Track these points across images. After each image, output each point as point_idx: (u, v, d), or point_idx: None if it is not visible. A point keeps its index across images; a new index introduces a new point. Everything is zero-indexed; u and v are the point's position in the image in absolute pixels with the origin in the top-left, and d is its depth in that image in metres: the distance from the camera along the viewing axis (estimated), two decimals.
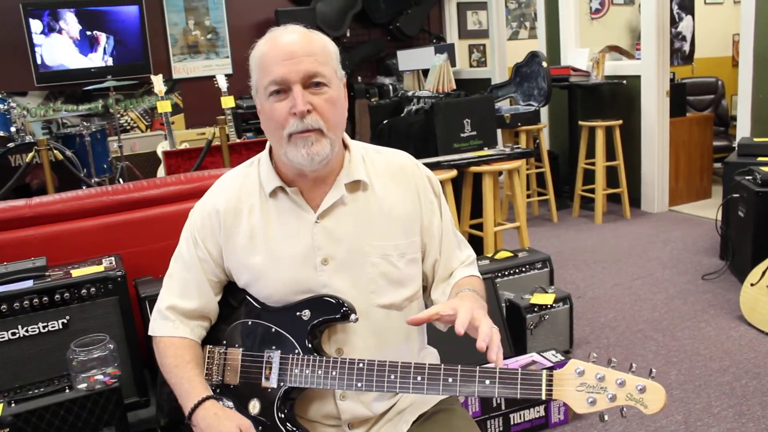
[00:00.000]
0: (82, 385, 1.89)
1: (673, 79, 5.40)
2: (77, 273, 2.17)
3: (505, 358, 2.44)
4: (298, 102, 1.20)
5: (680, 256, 4.11)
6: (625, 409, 1.08)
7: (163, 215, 2.68)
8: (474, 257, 1.48)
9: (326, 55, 1.25)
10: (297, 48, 1.22)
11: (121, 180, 5.18)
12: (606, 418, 1.08)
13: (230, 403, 1.30)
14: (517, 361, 2.36)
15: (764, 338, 2.93)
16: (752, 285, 3.07)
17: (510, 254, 3.05)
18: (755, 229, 3.34)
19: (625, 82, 5.18)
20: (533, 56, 5.06)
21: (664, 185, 5.20)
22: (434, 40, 7.46)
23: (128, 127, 6.45)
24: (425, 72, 5.42)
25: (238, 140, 4.84)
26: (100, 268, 2.21)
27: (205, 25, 6.67)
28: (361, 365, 1.20)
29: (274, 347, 1.28)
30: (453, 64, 5.34)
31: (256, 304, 1.33)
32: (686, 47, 6.61)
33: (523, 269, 2.98)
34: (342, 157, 1.34)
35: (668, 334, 3.03)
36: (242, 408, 1.29)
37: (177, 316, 1.36)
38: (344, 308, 1.25)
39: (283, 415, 1.25)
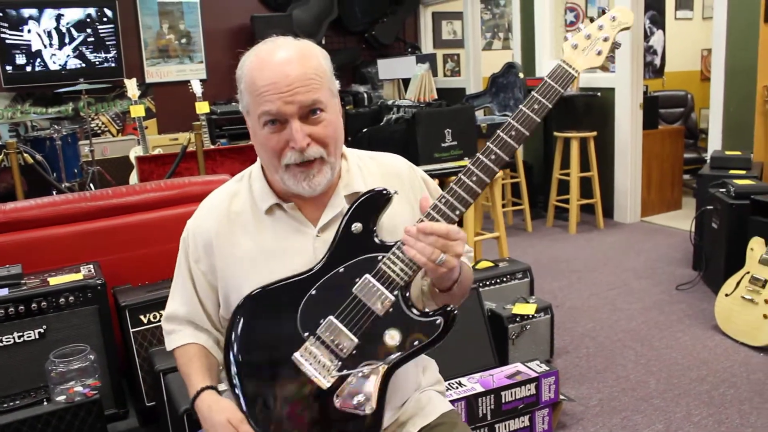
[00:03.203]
0: (61, 397, 1.83)
1: (646, 92, 5.50)
2: (55, 281, 2.11)
3: (489, 368, 2.44)
4: (297, 138, 1.15)
5: (654, 266, 4.17)
6: (618, 41, 1.24)
7: (142, 222, 2.63)
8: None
9: (321, 77, 1.18)
10: (292, 76, 1.14)
11: (92, 185, 5.07)
12: (620, 44, 1.26)
13: (366, 368, 1.17)
14: (503, 371, 2.36)
15: (739, 347, 2.98)
16: (727, 295, 3.12)
17: (491, 264, 3.06)
18: (728, 241, 3.40)
19: (599, 94, 5.26)
20: (510, 67, 5.11)
21: (636, 196, 5.28)
22: (409, 49, 7.48)
23: (99, 131, 6.32)
24: (405, 81, 5.43)
25: (212, 146, 4.78)
26: (78, 276, 2.16)
27: (179, 29, 6.59)
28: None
29: (357, 279, 1.18)
30: (434, 74, 5.35)
31: (307, 283, 1.22)
32: (657, 61, 6.75)
33: (504, 279, 2.99)
34: (340, 167, 1.31)
35: (646, 344, 3.07)
36: (378, 348, 1.16)
37: (176, 325, 1.39)
38: (384, 191, 1.22)
39: (417, 311, 1.17)
